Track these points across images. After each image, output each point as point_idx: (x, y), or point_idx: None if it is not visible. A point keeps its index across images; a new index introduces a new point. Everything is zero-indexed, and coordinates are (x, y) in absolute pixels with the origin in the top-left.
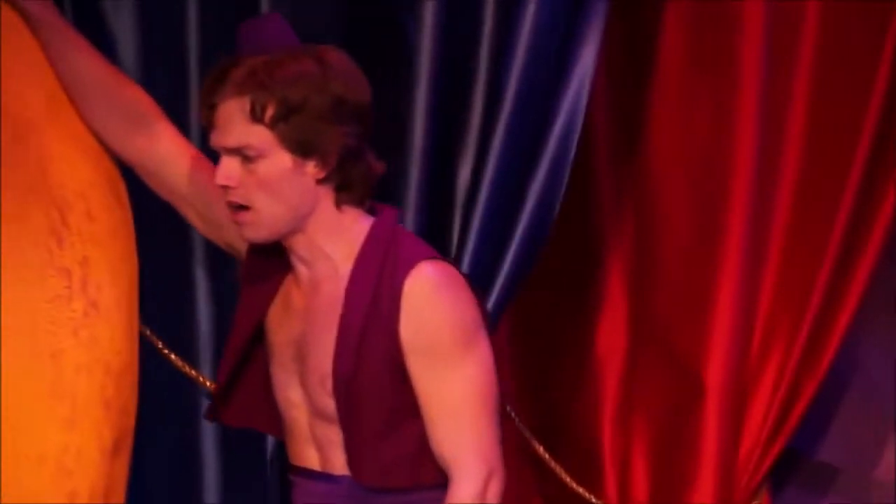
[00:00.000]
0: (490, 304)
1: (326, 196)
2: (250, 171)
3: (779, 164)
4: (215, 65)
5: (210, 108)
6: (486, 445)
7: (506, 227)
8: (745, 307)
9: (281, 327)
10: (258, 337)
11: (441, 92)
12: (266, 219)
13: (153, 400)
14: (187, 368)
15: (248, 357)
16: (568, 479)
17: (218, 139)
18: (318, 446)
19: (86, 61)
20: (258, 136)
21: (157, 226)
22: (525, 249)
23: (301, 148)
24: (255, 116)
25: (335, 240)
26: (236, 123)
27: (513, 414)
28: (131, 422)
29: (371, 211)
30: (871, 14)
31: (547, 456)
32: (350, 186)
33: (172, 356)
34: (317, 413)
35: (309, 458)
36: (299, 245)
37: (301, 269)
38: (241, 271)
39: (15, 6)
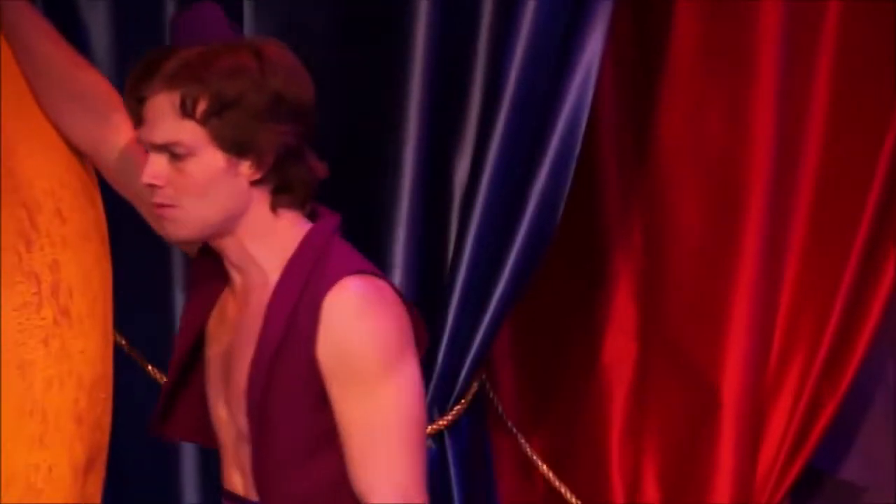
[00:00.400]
0: (489, 312)
1: (261, 199)
2: (179, 170)
3: (797, 164)
4: (144, 56)
5: (138, 101)
6: (404, 477)
7: (506, 230)
8: (763, 315)
9: (214, 339)
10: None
11: (436, 86)
12: (192, 219)
13: (128, 413)
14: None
15: (190, 369)
16: (574, 500)
17: (145, 135)
18: (242, 470)
19: (47, 45)
20: (188, 132)
21: (131, 227)
22: (526, 253)
23: (235, 146)
24: (186, 111)
25: (266, 246)
26: (165, 118)
27: (514, 430)
28: (105, 437)
29: (312, 217)
30: (893, 8)
31: (551, 475)
32: (287, 189)
33: (149, 367)
34: (239, 434)
35: (234, 481)
36: (229, 249)
37: (235, 277)
38: (188, 276)
39: None
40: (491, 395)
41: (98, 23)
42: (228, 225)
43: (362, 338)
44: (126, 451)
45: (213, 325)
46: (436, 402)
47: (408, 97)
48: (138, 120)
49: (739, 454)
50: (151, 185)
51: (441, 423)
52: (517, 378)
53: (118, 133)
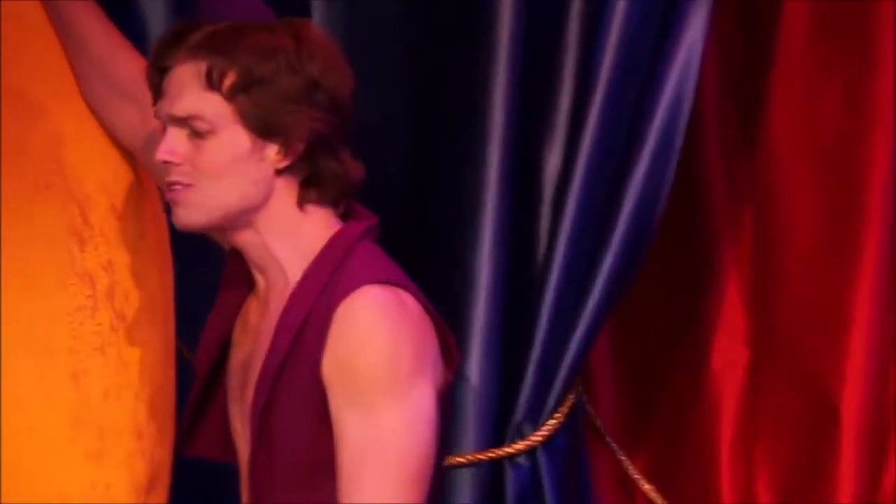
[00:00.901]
0: (586, 316)
1: (286, 191)
2: (198, 148)
3: None
4: (171, 26)
5: (160, 71)
6: None
7: (602, 227)
8: (886, 319)
9: (237, 347)
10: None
11: (524, 71)
12: (207, 203)
13: None
14: None
15: (217, 379)
16: None
17: (165, 107)
18: None
19: (87, 25)
20: (212, 105)
21: None
22: (625, 253)
23: (262, 126)
24: (212, 83)
25: (289, 245)
26: (188, 90)
27: (613, 445)
28: (168, 454)
29: (347, 218)
30: None
31: (654, 493)
32: (317, 182)
33: None
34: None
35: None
36: (250, 246)
37: (258, 278)
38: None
39: None
40: (588, 407)
41: (155, 11)
42: (247, 216)
43: (371, 353)
44: (191, 470)
45: (237, 331)
46: (528, 417)
47: (492, 85)
48: (158, 93)
49: (861, 471)
50: (167, 162)
51: (534, 438)
52: (616, 388)
53: (152, 121)
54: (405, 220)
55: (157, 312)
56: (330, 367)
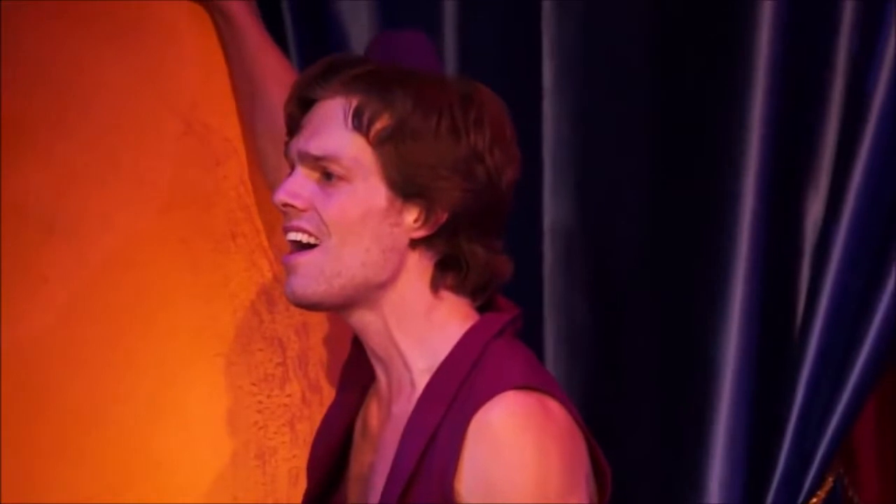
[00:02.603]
0: (850, 384)
1: (419, 269)
2: (327, 196)
3: None
4: (326, 58)
5: (301, 104)
6: None
7: (872, 278)
8: None
9: (357, 454)
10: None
11: (784, 103)
12: (328, 267)
13: None
14: None
15: (333, 490)
16: None
17: (299, 143)
18: None
19: (265, 64)
20: (354, 149)
21: None
22: None
23: (405, 185)
24: (360, 123)
25: (416, 336)
26: (330, 126)
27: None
28: None
29: (485, 310)
30: None
31: None
32: (456, 265)
33: None
34: None
35: None
36: (369, 331)
37: (379, 374)
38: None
39: (211, 6)
40: (850, 491)
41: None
42: (372, 293)
43: (514, 471)
44: None
45: (357, 434)
46: (780, 500)
47: (747, 115)
48: (295, 128)
49: None
50: (287, 205)
51: None
52: (883, 469)
53: None
54: (646, 278)
55: None
56: (465, 488)
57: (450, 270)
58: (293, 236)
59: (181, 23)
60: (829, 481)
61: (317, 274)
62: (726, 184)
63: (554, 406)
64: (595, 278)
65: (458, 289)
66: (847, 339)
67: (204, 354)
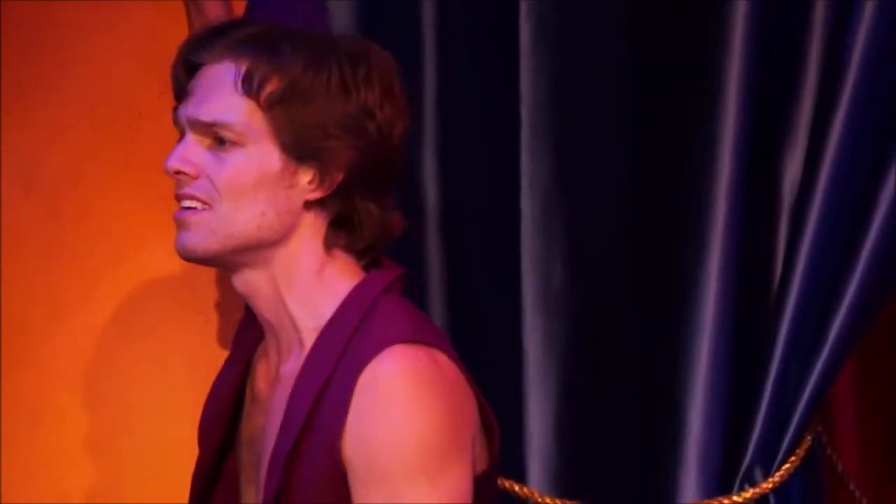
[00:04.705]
0: (827, 344)
1: (312, 228)
2: (220, 161)
3: None
4: (211, 24)
5: (188, 70)
6: None
7: (850, 240)
8: None
9: (247, 419)
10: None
11: (761, 65)
12: (222, 228)
13: None
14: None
15: (225, 455)
16: None
17: (189, 110)
18: None
19: None
20: (245, 113)
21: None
22: (874, 270)
23: (298, 147)
24: (249, 87)
25: (304, 298)
26: (220, 92)
27: (857, 493)
28: None
29: (370, 269)
30: None
31: None
32: (350, 224)
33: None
34: None
35: None
36: (257, 291)
37: (268, 337)
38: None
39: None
40: (828, 450)
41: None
42: (263, 251)
43: (398, 429)
44: None
45: (247, 400)
46: (759, 460)
47: (724, 75)
48: (181, 93)
49: None
50: (179, 173)
51: (765, 485)
52: (862, 428)
53: None
54: (624, 239)
55: None
56: (351, 446)
57: (343, 229)
58: (186, 203)
59: None
60: (808, 440)
61: (208, 233)
62: (704, 144)
63: (443, 360)
64: (572, 237)
65: (350, 247)
66: (824, 299)
67: (184, 312)
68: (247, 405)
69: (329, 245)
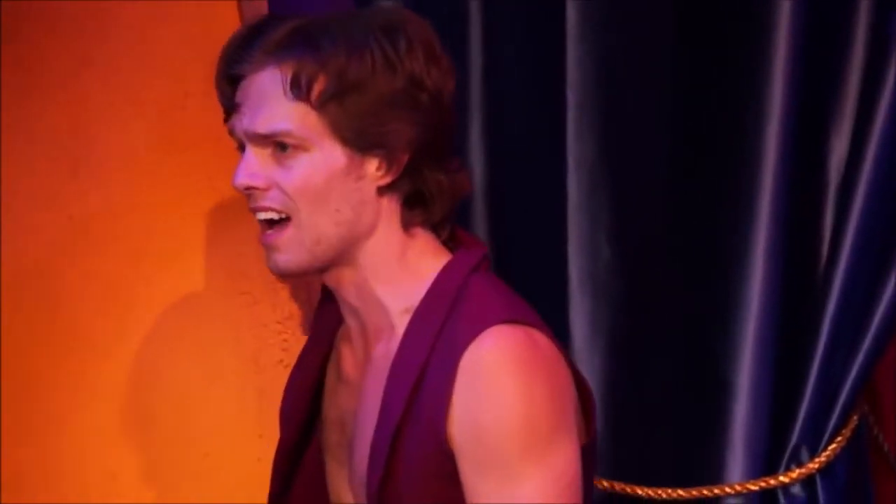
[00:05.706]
0: (874, 325)
1: (388, 213)
2: (286, 169)
3: None
4: (240, 30)
5: (231, 82)
6: None
7: (894, 222)
8: None
9: (332, 401)
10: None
11: (808, 45)
12: (307, 237)
13: None
14: None
15: (306, 439)
16: None
17: (242, 123)
18: None
19: None
20: (300, 118)
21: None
22: None
23: (359, 139)
24: (299, 92)
25: (393, 283)
26: (269, 101)
27: None
28: None
29: (452, 247)
30: None
31: None
32: (423, 200)
33: None
34: None
35: None
36: (346, 284)
37: (352, 323)
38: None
39: None
40: (875, 430)
41: None
42: (350, 249)
43: (506, 410)
44: None
45: (330, 380)
46: (805, 441)
47: (771, 56)
48: (231, 107)
49: None
50: (249, 188)
51: (811, 465)
52: None
53: None
54: (670, 218)
55: None
56: (459, 429)
57: (417, 206)
58: (263, 216)
59: None
60: (854, 420)
61: (298, 247)
62: (751, 122)
63: (540, 338)
64: (618, 217)
65: (427, 222)
66: (870, 278)
67: (229, 292)
68: (330, 385)
69: (407, 225)
